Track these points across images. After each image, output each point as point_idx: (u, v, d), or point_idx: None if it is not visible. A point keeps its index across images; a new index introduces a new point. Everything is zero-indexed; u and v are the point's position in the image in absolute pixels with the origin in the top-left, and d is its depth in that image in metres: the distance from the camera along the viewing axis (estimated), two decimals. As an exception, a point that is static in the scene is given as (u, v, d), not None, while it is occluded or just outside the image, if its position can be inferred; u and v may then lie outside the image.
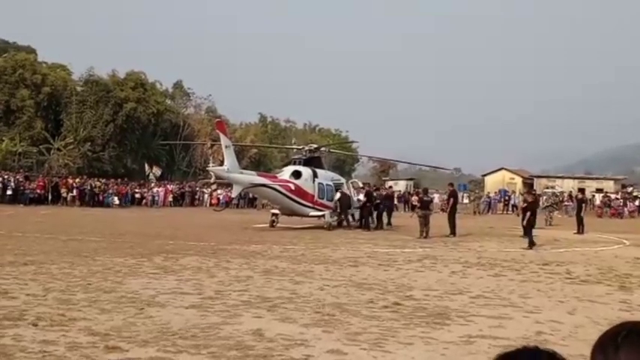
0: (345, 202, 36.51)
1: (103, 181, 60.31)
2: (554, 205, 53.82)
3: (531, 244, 26.12)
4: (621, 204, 67.40)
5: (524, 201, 32.75)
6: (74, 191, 56.02)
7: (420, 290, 14.62)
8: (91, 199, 55.62)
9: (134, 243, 23.83)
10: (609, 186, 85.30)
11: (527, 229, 27.27)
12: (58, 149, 70.33)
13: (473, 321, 11.41)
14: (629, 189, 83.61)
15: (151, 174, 66.34)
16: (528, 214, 27.61)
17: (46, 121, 72.69)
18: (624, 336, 1.90)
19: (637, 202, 69.80)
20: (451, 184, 38.94)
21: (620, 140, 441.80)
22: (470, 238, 30.51)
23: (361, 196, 38.44)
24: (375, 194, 38.21)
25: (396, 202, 67.35)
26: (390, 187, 69.05)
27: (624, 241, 31.08)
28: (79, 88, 75.81)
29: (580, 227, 36.02)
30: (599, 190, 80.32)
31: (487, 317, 11.74)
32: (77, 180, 58.39)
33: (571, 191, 72.86)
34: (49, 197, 55.49)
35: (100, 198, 56.49)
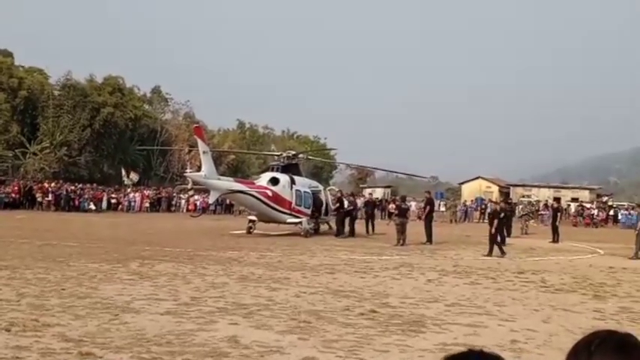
0: (318, 206, 36.83)
1: (79, 185, 59.87)
2: (530, 214, 54.19)
3: (490, 253, 26.45)
4: (593, 213, 67.96)
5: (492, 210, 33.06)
6: (50, 196, 55.57)
7: (396, 298, 14.65)
8: (66, 204, 55.21)
9: (109, 248, 23.68)
10: (585, 195, 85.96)
11: (493, 238, 27.42)
12: (34, 153, 69.78)
13: (448, 329, 11.45)
14: (604, 198, 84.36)
15: (127, 179, 65.89)
16: (495, 222, 27.81)
17: (22, 125, 72.06)
18: (597, 344, 1.93)
19: (611, 212, 70.43)
20: (428, 192, 39.02)
21: (596, 150, 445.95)
22: (446, 246, 30.62)
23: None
24: (347, 201, 38.24)
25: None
26: (370, 194, 69.15)
27: (599, 250, 31.34)
28: (56, 93, 75.23)
29: (555, 236, 36.27)
30: (574, 200, 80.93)
31: (462, 325, 11.79)
32: (53, 184, 57.95)
33: (547, 200, 73.37)
34: (25, 202, 55.03)
35: (76, 203, 56.09)
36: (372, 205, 45.70)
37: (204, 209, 55.14)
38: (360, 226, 37.80)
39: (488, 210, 58.30)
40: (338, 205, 36.69)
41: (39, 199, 55.20)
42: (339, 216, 36.44)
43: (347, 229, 36.03)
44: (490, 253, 26.47)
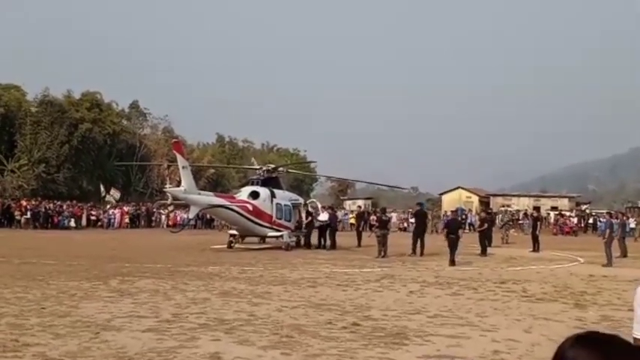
0: (298, 220, 37.14)
1: (58, 203, 59.46)
2: (510, 223, 54.50)
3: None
4: (570, 221, 68.53)
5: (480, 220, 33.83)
6: (28, 214, 55.16)
7: (378, 310, 14.64)
8: (45, 222, 54.82)
9: (89, 266, 23.51)
10: (564, 204, 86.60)
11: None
12: (12, 171, 69.27)
13: (431, 340, 11.46)
14: (583, 207, 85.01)
15: (109, 196, 65.50)
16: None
17: (0, 142, 71.58)
18: (575, 338, 2.00)
19: (590, 220, 70.95)
20: (419, 204, 39.35)
21: (575, 158, 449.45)
22: (427, 257, 30.65)
23: (322, 216, 38.58)
24: (327, 213, 38.43)
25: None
26: (359, 207, 68.56)
27: (579, 258, 31.54)
28: (33, 109, 74.77)
29: (535, 245, 36.46)
30: (554, 208, 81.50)
31: (445, 336, 11.80)
32: (32, 202, 57.54)
33: (526, 209, 73.83)
34: (2, 220, 54.58)
35: (55, 220, 55.71)
36: (362, 217, 45.60)
37: (184, 225, 55.00)
38: (350, 239, 37.87)
39: (475, 220, 58.87)
40: (310, 218, 36.94)
41: (17, 217, 54.76)
42: (311, 229, 36.89)
43: (329, 242, 36.23)
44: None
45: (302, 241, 37.17)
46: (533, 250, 35.73)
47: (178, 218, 60.42)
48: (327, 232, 37.17)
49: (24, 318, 12.79)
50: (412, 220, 43.34)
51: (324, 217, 38.29)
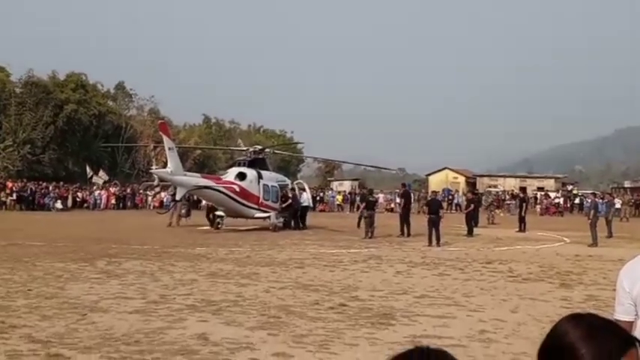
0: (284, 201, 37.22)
1: (44, 184, 59.14)
2: (494, 204, 54.75)
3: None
4: (558, 202, 68.84)
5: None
6: (14, 195, 54.86)
7: (365, 291, 14.69)
8: (31, 203, 54.55)
9: (76, 247, 23.43)
10: (550, 184, 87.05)
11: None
12: (-3, 152, 68.87)
13: (417, 321, 11.51)
14: (570, 187, 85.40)
15: (96, 177, 65.14)
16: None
17: (-16, 123, 71.12)
18: (571, 319, 2.06)
19: (576, 200, 71.26)
20: (403, 184, 39.40)
21: (561, 139, 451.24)
22: (414, 237, 30.72)
23: (304, 196, 38.71)
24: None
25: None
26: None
27: (565, 238, 31.73)
28: (17, 90, 74.25)
29: (522, 225, 36.62)
30: (540, 189, 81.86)
31: (431, 317, 11.86)
32: (17, 183, 57.23)
33: (513, 190, 74.08)
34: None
35: (41, 201, 55.45)
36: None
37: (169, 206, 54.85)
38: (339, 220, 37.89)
39: (462, 200, 59.15)
40: (290, 201, 36.96)
41: (3, 199, 54.46)
42: (292, 211, 36.95)
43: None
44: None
45: (292, 223, 37.10)
46: (520, 231, 35.89)
47: (165, 200, 60.22)
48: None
49: (10, 299, 12.76)
50: (398, 201, 43.28)
51: (303, 198, 38.44)
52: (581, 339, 1.94)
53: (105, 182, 65.50)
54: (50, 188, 58.14)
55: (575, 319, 2.03)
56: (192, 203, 54.17)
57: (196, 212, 40.25)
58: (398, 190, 56.48)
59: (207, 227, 35.06)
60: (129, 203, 63.07)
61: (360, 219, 39.10)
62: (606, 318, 2.10)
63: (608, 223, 32.75)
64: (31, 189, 56.22)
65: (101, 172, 66.15)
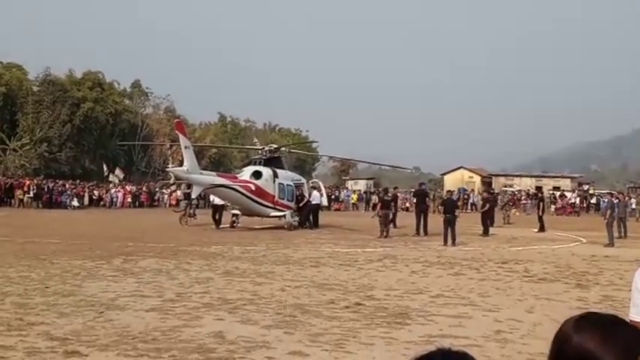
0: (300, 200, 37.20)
1: (60, 182, 59.46)
2: (509, 204, 54.50)
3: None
4: (571, 201, 68.41)
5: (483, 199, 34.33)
6: (31, 193, 55.20)
7: (380, 290, 14.69)
8: (48, 201, 54.86)
9: (93, 245, 23.56)
10: (566, 184, 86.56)
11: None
12: (14, 150, 69.27)
13: (433, 320, 11.51)
14: (586, 187, 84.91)
15: (112, 176, 65.44)
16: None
17: (2, 121, 71.51)
18: (577, 320, 2.03)
19: (593, 200, 70.82)
20: (421, 184, 39.45)
21: (577, 138, 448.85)
22: (430, 237, 30.65)
23: (314, 194, 38.64)
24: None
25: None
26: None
27: (581, 238, 31.55)
28: (35, 88, 74.67)
29: (540, 225, 36.36)
30: (556, 188, 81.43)
31: (447, 316, 11.85)
32: (34, 181, 57.57)
33: (529, 189, 73.76)
34: (5, 199, 54.65)
35: (58, 199, 55.74)
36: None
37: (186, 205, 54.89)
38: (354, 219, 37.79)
39: (477, 200, 58.97)
40: (305, 200, 36.94)
41: (20, 197, 54.81)
42: (306, 210, 36.95)
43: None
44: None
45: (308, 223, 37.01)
46: (539, 231, 35.64)
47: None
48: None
49: (28, 297, 12.86)
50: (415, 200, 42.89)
51: (313, 196, 38.32)
52: (601, 345, 1.94)
53: (121, 180, 65.79)
54: (67, 186, 58.46)
55: (582, 325, 2.01)
56: (207, 202, 54.25)
57: (210, 211, 40.17)
58: (413, 189, 56.38)
59: (223, 226, 35.10)
60: (145, 201, 63.19)
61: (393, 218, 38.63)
62: (607, 313, 2.09)
63: (623, 223, 32.53)
64: (48, 187, 56.54)
65: (117, 171, 66.42)
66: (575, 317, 2.05)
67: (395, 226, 34.70)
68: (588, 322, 2.01)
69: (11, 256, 19.71)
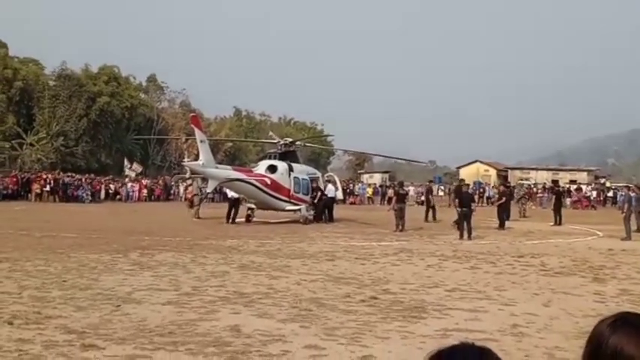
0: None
1: (77, 176, 59.74)
2: (525, 197, 54.21)
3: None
4: (588, 195, 67.97)
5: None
6: (48, 187, 55.48)
7: (396, 284, 14.68)
8: (64, 195, 55.13)
9: (109, 239, 23.67)
10: (583, 177, 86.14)
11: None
12: (31, 144, 69.77)
13: (449, 314, 11.49)
14: (602, 180, 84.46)
15: (129, 170, 65.65)
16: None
17: (18, 116, 72.04)
18: (613, 321, 1.99)
19: (610, 193, 70.41)
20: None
21: (594, 132, 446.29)
22: (445, 230, 30.60)
23: (330, 188, 38.57)
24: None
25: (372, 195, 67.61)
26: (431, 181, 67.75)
27: (598, 232, 31.37)
28: (51, 83, 75.18)
29: (557, 219, 36.22)
30: (572, 182, 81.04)
31: (463, 310, 11.82)
32: (51, 175, 57.87)
33: (545, 183, 73.40)
34: (23, 193, 54.97)
35: (74, 193, 56.00)
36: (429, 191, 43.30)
37: (201, 199, 54.98)
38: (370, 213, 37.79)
39: (493, 193, 58.73)
40: (319, 194, 36.88)
41: (37, 191, 55.10)
42: (321, 204, 36.98)
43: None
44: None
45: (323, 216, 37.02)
46: (556, 224, 35.49)
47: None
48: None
49: (46, 290, 12.93)
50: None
51: (331, 191, 38.22)
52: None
53: (138, 174, 66.04)
54: (83, 180, 58.72)
55: (619, 327, 1.98)
56: (223, 195, 54.44)
57: (226, 204, 40.22)
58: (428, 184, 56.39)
59: (239, 219, 35.17)
60: (161, 195, 63.35)
61: (427, 211, 38.55)
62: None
63: (637, 216, 32.25)
64: (64, 180, 56.82)
65: (135, 165, 66.66)
66: (611, 317, 2.03)
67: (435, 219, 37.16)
68: (625, 322, 1.98)
69: (29, 249, 19.83)
